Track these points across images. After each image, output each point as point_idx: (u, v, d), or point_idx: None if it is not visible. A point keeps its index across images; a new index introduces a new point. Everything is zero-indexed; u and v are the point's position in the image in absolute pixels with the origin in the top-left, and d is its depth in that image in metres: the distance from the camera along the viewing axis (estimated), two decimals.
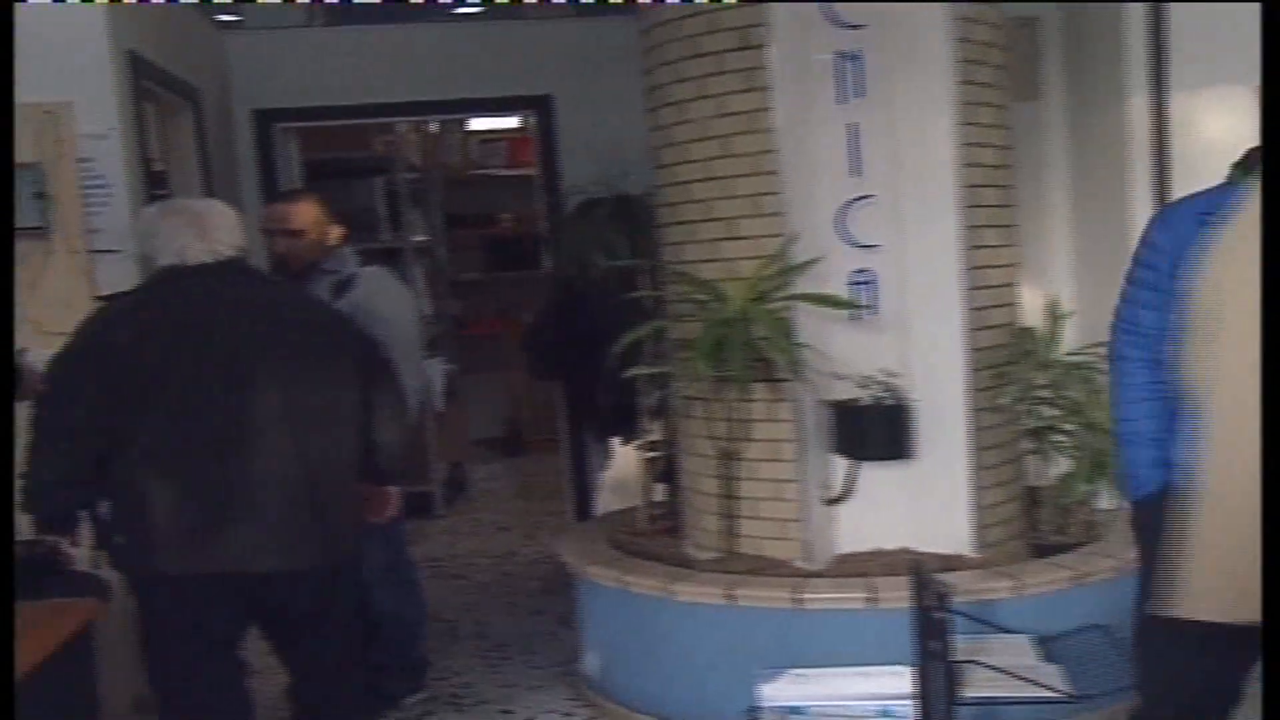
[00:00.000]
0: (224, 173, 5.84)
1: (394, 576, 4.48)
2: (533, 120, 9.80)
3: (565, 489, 6.95)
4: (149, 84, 4.79)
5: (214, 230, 3.33)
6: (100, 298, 3.34)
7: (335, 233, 4.39)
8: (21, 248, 4.30)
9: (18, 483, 3.24)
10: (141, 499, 3.15)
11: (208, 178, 5.51)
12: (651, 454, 5.00)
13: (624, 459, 6.43)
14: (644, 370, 4.38)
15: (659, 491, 5.00)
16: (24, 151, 4.29)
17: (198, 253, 3.29)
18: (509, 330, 9.81)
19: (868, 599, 3.78)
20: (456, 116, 8.06)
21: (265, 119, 6.26)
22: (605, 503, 6.55)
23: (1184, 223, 2.64)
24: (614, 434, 6.11)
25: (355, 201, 7.34)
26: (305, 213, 4.34)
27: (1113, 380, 2.82)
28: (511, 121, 10.10)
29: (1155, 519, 2.61)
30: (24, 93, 4.34)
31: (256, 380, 3.21)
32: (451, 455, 8.41)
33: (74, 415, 3.15)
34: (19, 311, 4.30)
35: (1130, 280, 2.77)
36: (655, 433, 4.99)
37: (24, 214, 4.25)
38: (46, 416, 3.20)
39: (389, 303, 4.31)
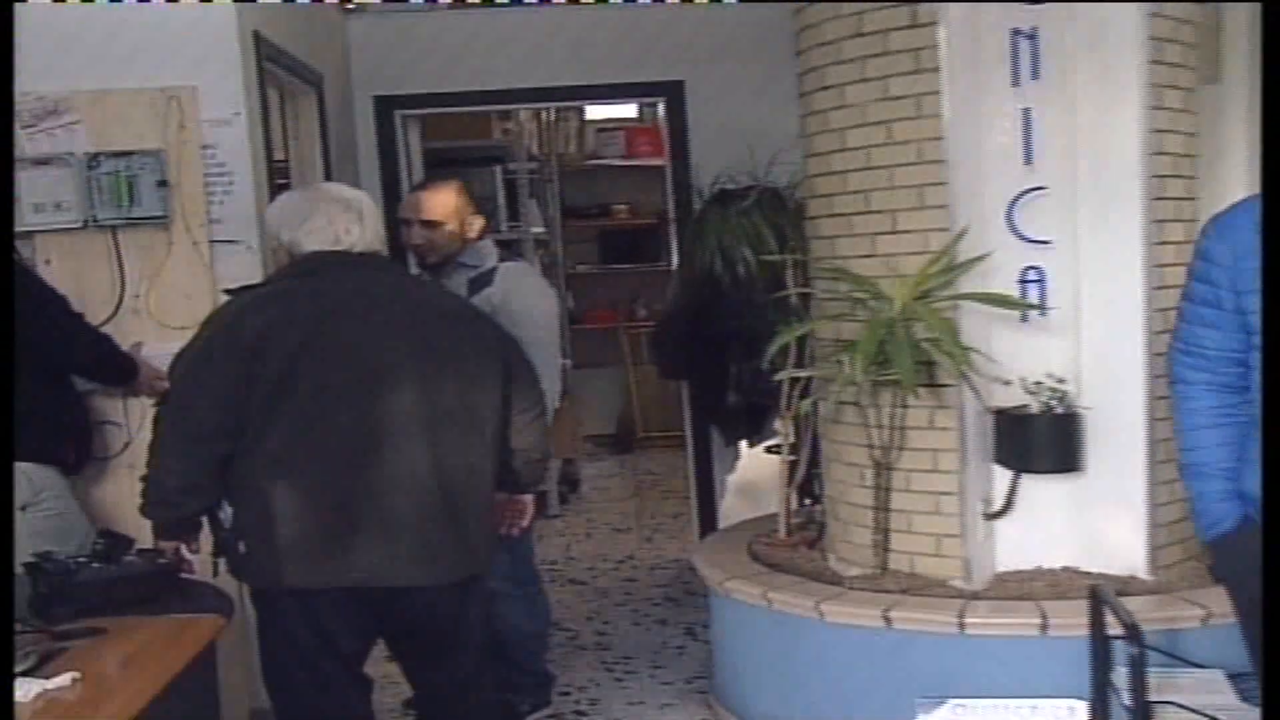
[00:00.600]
0: (344, 162, 5.66)
1: (518, 586, 4.26)
2: (656, 109, 9.79)
3: (688, 491, 6.69)
4: (273, 67, 4.60)
5: (368, 219, 3.14)
6: (229, 290, 3.13)
7: (476, 224, 4.20)
8: (142, 238, 4.15)
9: (138, 485, 3.05)
10: (267, 505, 2.96)
11: (329, 167, 5.32)
12: (788, 459, 4.73)
13: (751, 462, 6.19)
14: (797, 373, 4.09)
15: (796, 500, 4.74)
16: (146, 137, 4.13)
17: (353, 239, 3.09)
18: (622, 325, 9.68)
19: (1040, 625, 3.48)
20: (583, 103, 7.81)
21: (386, 106, 6.06)
22: (730, 506, 6.31)
23: (1239, 231, 2.43)
24: (743, 436, 5.87)
25: (474, 191, 7.14)
26: (445, 203, 4.15)
27: (1175, 406, 2.65)
28: (629, 111, 9.90)
29: (1237, 560, 2.34)
30: (146, 77, 4.19)
31: (394, 381, 3.01)
32: (564, 452, 8.19)
33: (201, 417, 2.96)
34: (139, 303, 4.15)
35: (1187, 297, 2.61)
36: (787, 436, 4.71)
37: (145, 203, 4.10)
38: (172, 418, 3.01)
39: (530, 300, 4.10)
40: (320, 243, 3.11)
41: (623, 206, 9.87)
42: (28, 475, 3.56)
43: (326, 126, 5.34)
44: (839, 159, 3.93)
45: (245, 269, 4.08)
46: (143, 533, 3.19)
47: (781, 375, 4.14)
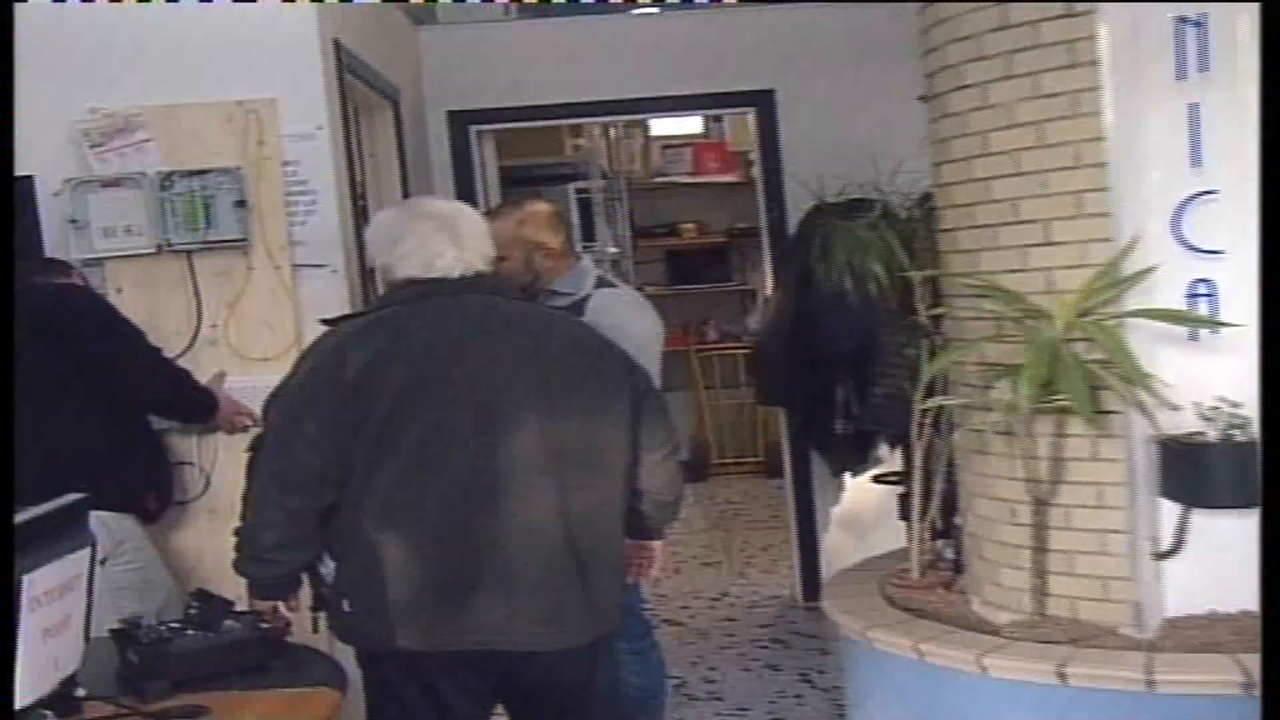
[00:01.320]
0: (420, 180, 5.34)
1: (629, 640, 3.89)
2: (722, 124, 9.50)
3: (786, 522, 6.35)
4: (353, 80, 4.29)
5: (468, 238, 2.81)
6: (326, 320, 2.81)
7: (546, 254, 3.77)
8: (220, 263, 3.85)
9: (219, 532, 2.73)
10: (374, 560, 2.64)
11: (405, 187, 5.01)
12: (911, 492, 4.37)
13: (856, 492, 5.84)
14: (948, 401, 3.72)
15: (927, 535, 4.37)
16: (223, 154, 3.83)
17: (448, 263, 2.76)
18: (692, 347, 9.39)
19: (1243, 683, 3.10)
20: (663, 115, 7.50)
21: (461, 121, 5.75)
22: (834, 541, 5.97)
23: None
24: (851, 466, 5.52)
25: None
26: (500, 234, 3.76)
27: None
28: (695, 126, 9.59)
29: None
30: (221, 88, 3.89)
31: (514, 419, 2.68)
32: None
33: (300, 464, 2.64)
34: (216, 333, 3.84)
35: None
36: (914, 467, 4.35)
37: (223, 225, 3.81)
38: (267, 465, 2.68)
39: (619, 320, 3.72)
40: (413, 268, 2.80)
41: (690, 225, 9.56)
42: (106, 525, 3.25)
43: (403, 143, 5.03)
44: (981, 164, 3.57)
45: (331, 295, 3.79)
46: (227, 582, 2.90)
47: (932, 403, 3.77)
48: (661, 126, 9.38)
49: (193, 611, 2.58)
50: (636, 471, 2.87)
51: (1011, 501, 3.61)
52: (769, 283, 5.96)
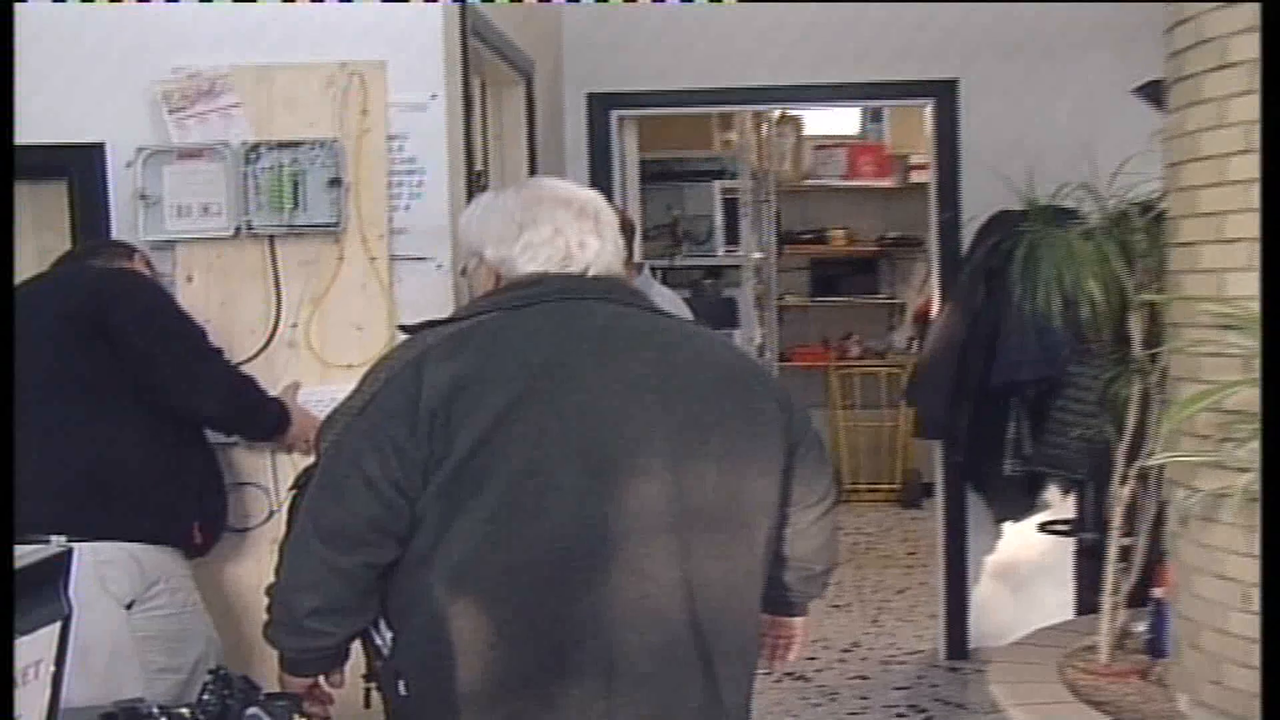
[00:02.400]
0: (550, 168, 4.76)
1: None
2: (881, 125, 8.83)
3: (929, 564, 5.70)
4: (480, 45, 3.71)
5: (606, 229, 2.21)
6: (406, 327, 2.20)
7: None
8: (306, 251, 3.30)
9: (263, 600, 2.15)
10: (443, 635, 2.05)
11: (533, 173, 4.43)
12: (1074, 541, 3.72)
13: (1014, 539, 5.17)
14: (1180, 457, 3.02)
15: (1115, 607, 3.68)
16: (319, 124, 3.27)
17: (590, 257, 2.18)
18: (832, 364, 8.85)
19: None
20: (828, 104, 6.89)
21: (601, 104, 5.16)
22: (985, 592, 5.30)
23: None
24: (1020, 513, 4.85)
25: (690, 209, 6.28)
26: None
27: None
28: (851, 126, 8.95)
29: None
30: (325, 48, 3.35)
31: (637, 464, 2.07)
32: None
33: (353, 512, 2.04)
34: (296, 334, 3.29)
35: None
36: (1115, 526, 3.67)
37: (313, 207, 3.24)
38: (313, 510, 2.10)
39: None
40: (544, 262, 2.19)
41: (839, 232, 8.95)
42: (138, 561, 2.73)
43: (534, 125, 4.45)
44: (1238, 164, 2.88)
45: (434, 294, 3.21)
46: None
47: (1160, 459, 3.08)
48: (816, 125, 8.77)
49: (208, 696, 1.99)
50: (784, 534, 2.26)
51: (1244, 583, 2.92)
52: (936, 297, 5.27)
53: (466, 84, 3.54)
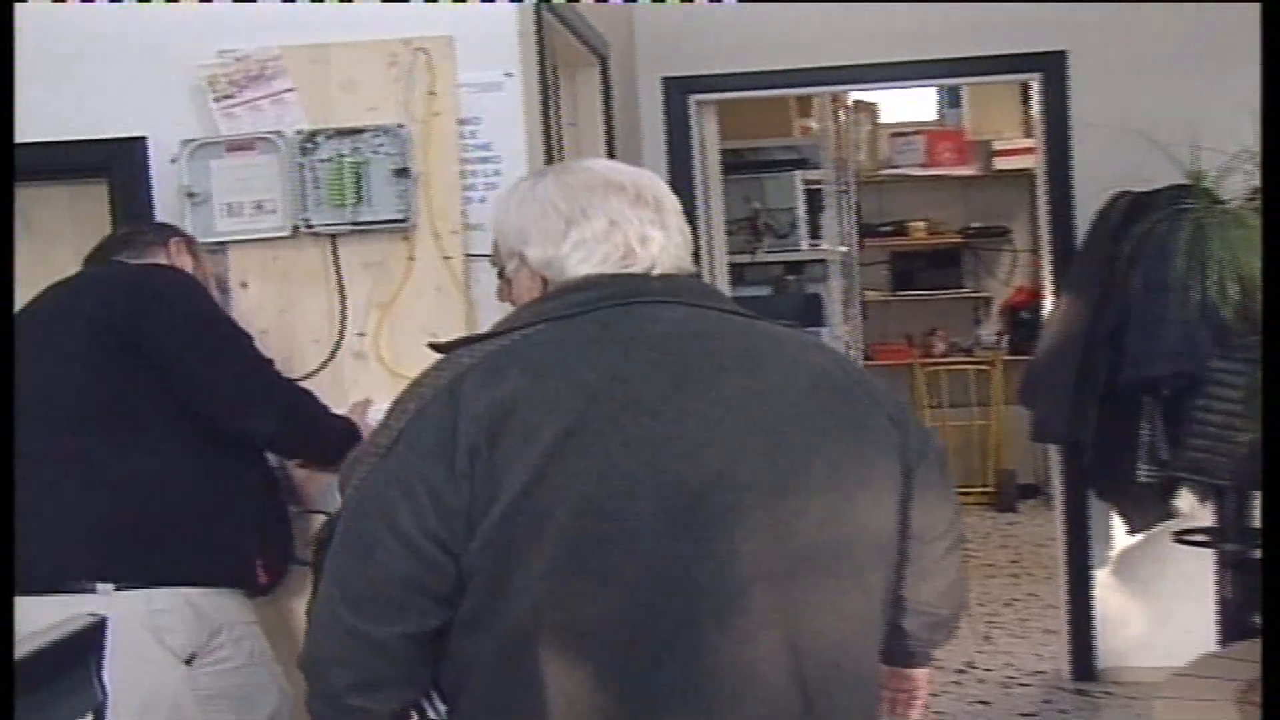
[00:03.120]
0: (629, 157, 4.40)
1: None
2: (960, 109, 8.42)
3: (1050, 575, 5.29)
4: (554, 21, 3.36)
5: (670, 218, 1.83)
6: (438, 346, 1.80)
7: None
8: (373, 250, 2.96)
9: (299, 668, 1.78)
10: (504, 706, 1.69)
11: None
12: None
13: (1139, 548, 4.77)
14: None
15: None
16: (382, 108, 2.93)
17: (654, 254, 1.80)
18: (917, 361, 8.43)
19: None
20: (920, 82, 6.38)
21: (678, 89, 4.79)
22: (1110, 606, 4.89)
23: None
24: (1155, 521, 4.43)
25: (770, 200, 5.91)
26: None
27: None
28: (928, 111, 8.55)
29: None
30: (386, 24, 3.01)
31: (726, 504, 1.68)
32: None
33: (386, 571, 1.66)
34: (364, 343, 2.94)
35: None
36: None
37: (378, 201, 2.90)
38: (338, 573, 1.71)
39: None
40: (600, 261, 1.80)
41: (919, 223, 8.54)
42: (195, 608, 2.38)
43: (611, 111, 4.09)
44: None
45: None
46: None
47: None
48: (892, 112, 8.37)
49: None
50: (904, 573, 1.87)
51: None
52: (1048, 289, 4.87)
53: (542, 61, 3.18)
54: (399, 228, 2.90)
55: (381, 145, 2.87)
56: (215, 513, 2.43)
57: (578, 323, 1.74)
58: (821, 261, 6.19)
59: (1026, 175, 7.24)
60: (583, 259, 1.79)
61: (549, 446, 1.63)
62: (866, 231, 8.32)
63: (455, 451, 1.63)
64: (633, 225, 1.81)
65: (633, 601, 1.66)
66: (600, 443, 1.65)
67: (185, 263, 2.68)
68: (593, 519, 1.64)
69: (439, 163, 2.91)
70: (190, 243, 2.76)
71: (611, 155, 4.03)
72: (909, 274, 8.61)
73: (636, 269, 1.80)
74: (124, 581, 2.35)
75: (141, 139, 3.03)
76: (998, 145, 8.17)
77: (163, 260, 2.65)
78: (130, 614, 2.29)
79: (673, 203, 1.89)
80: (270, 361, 2.60)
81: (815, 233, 6.20)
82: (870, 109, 8.23)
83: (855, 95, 7.91)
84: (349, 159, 2.87)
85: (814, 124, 6.29)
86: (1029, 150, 6.60)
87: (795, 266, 6.30)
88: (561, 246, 1.80)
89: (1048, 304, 4.82)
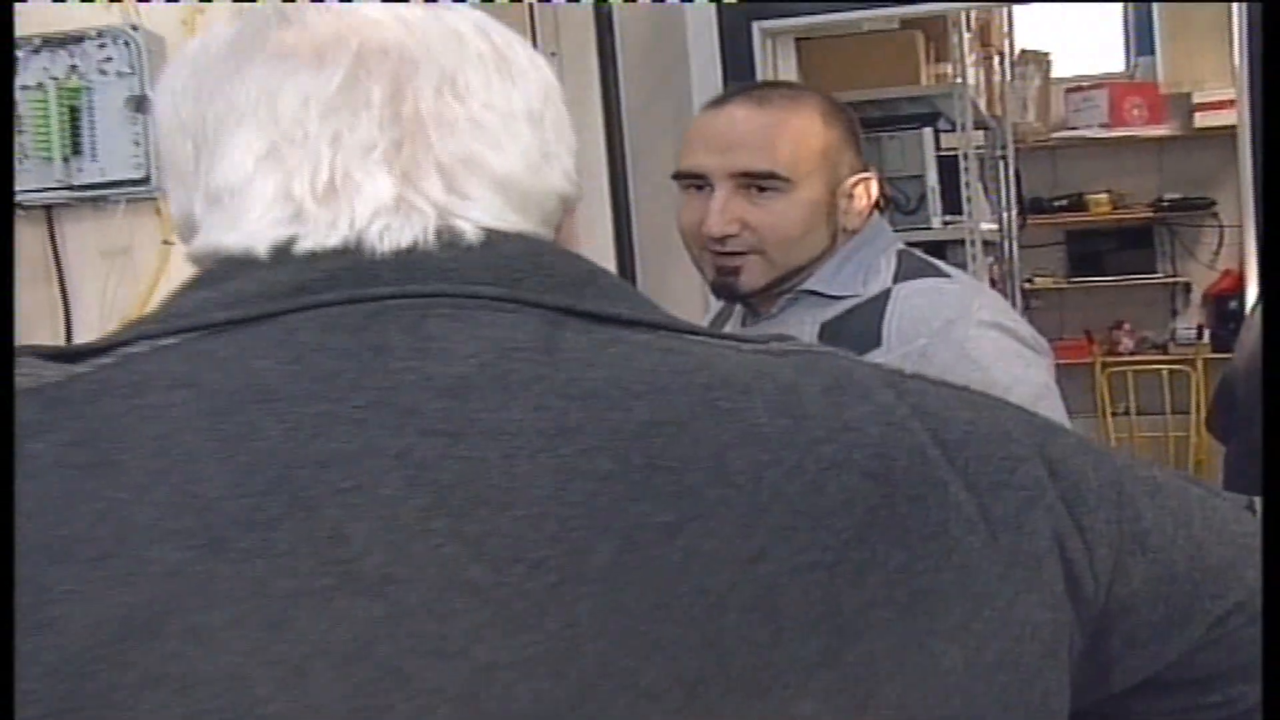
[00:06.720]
0: (657, 105, 3.25)
1: None
2: (1155, 59, 7.06)
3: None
4: None
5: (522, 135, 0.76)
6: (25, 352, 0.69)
7: (861, 196, 1.76)
8: (118, 231, 1.88)
9: None
10: None
11: (613, 111, 2.94)
12: None
13: None
14: None
15: None
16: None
17: (366, 215, 0.71)
18: (1099, 359, 7.29)
19: None
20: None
21: (738, 18, 3.62)
22: None
23: None
24: None
25: (891, 166, 4.72)
26: (798, 136, 1.68)
27: None
28: (1113, 62, 7.22)
29: None
30: None
31: None
32: None
33: None
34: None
35: None
36: None
37: (104, 150, 1.82)
38: None
39: (997, 376, 1.64)
40: (260, 224, 0.70)
41: (1101, 196, 7.34)
42: None
43: (611, 38, 2.96)
44: None
45: None
46: None
47: None
48: (1067, 64, 7.07)
49: None
50: None
51: None
52: (1253, 276, 3.65)
53: None
54: (141, 193, 1.81)
55: (109, 60, 1.79)
56: None
57: (223, 343, 0.70)
58: (961, 242, 4.93)
59: (1235, 134, 5.96)
60: (227, 219, 0.74)
61: (118, 626, 0.57)
62: (1033, 206, 7.11)
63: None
64: (335, 146, 0.72)
65: None
66: (223, 629, 0.59)
67: None
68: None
69: None
70: None
71: (612, 104, 2.91)
72: (1089, 256, 7.45)
73: (334, 243, 0.70)
74: None
75: None
76: (1199, 98, 6.84)
77: None
78: None
79: (520, 67, 0.77)
80: None
81: (953, 207, 4.93)
82: (1041, 60, 6.95)
83: (1021, 44, 6.69)
84: (62, 85, 1.80)
85: (949, 71, 5.01)
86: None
87: (929, 248, 5.06)
88: (193, 190, 0.77)
89: (1252, 293, 3.63)
